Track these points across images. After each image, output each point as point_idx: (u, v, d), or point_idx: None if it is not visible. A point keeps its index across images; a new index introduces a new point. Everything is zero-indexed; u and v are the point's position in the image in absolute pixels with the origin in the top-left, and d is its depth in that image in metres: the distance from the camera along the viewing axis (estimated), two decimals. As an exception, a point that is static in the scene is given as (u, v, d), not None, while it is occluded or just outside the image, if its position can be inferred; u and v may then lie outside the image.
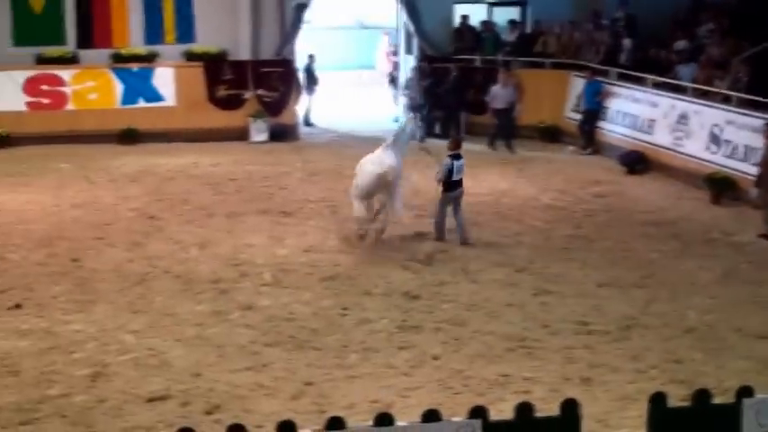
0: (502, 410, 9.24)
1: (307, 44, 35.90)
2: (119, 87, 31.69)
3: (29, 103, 31.31)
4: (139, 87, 31.70)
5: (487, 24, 33.80)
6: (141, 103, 31.68)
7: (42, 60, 31.96)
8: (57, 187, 24.62)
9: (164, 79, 31.84)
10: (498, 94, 29.93)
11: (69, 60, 32.16)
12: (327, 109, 34.97)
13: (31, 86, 31.32)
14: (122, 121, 31.29)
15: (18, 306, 15.53)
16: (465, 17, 33.75)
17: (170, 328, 14.60)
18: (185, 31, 33.10)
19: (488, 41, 33.31)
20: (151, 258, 18.27)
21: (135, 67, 31.99)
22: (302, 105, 33.94)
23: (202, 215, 21.53)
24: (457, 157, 19.18)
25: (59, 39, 32.66)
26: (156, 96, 31.77)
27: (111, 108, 31.50)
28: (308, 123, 34.00)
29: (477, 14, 34.26)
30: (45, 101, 31.42)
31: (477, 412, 6.99)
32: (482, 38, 33.52)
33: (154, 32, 33.07)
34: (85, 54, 32.47)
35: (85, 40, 32.85)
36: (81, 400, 12.03)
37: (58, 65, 31.82)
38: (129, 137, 31.02)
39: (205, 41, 32.75)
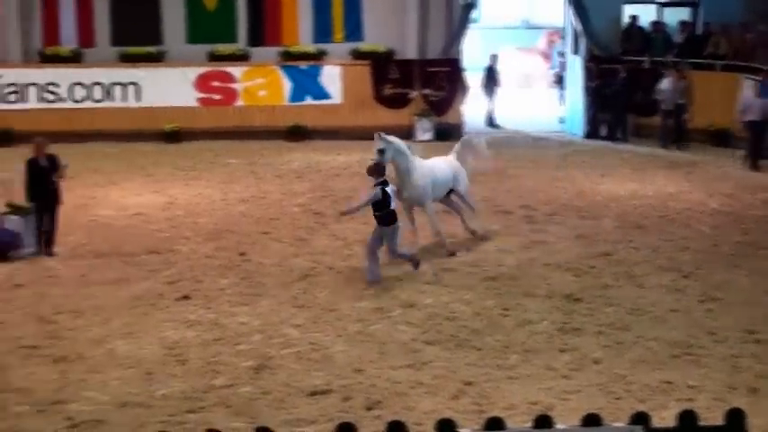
0: (664, 418, 9.13)
1: (474, 43, 35.90)
2: (287, 85, 32.17)
3: (200, 99, 32.03)
4: (307, 85, 32.12)
5: (657, 25, 33.25)
6: (309, 101, 32.10)
7: (214, 57, 32.65)
8: (225, 182, 25.13)
9: (331, 77, 32.19)
10: (667, 95, 29.40)
11: (240, 57, 32.78)
12: (502, 109, 34.88)
13: (202, 83, 32.02)
14: (290, 118, 31.76)
15: (186, 297, 15.91)
16: (634, 17, 33.26)
17: (333, 323, 14.77)
18: (354, 30, 33.40)
19: (658, 42, 32.76)
20: (315, 254, 18.51)
21: (303, 64, 32.41)
22: (483, 106, 33.99)
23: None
24: (385, 183, 16.95)
25: (231, 36, 33.33)
26: (323, 94, 32.14)
27: (279, 105, 32.01)
28: (492, 125, 33.93)
29: (646, 15, 33.74)
30: (216, 97, 32.09)
31: (639, 418, 6.92)
32: (651, 38, 32.99)
33: (323, 31, 33.47)
34: (256, 51, 33.05)
35: (256, 38, 33.44)
36: (245, 392, 12.27)
37: (229, 62, 32.46)
38: (297, 133, 31.47)
39: (373, 40, 32.99)
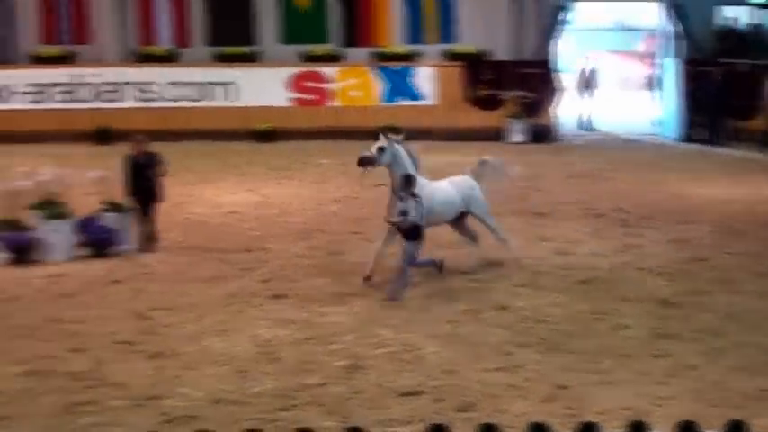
0: (762, 426, 8.99)
1: (568, 45, 35.73)
2: (380, 85, 32.27)
3: (294, 100, 32.24)
4: (400, 86, 32.22)
5: (755, 27, 32.78)
6: (401, 102, 32.17)
7: (307, 58, 32.87)
8: (317, 182, 25.28)
9: (424, 78, 32.27)
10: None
11: (333, 58, 32.95)
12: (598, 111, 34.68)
13: (296, 83, 32.27)
14: (382, 119, 31.77)
15: (280, 296, 15.99)
16: (731, 19, 32.82)
17: (424, 324, 14.75)
18: (447, 31, 33.44)
19: (755, 44, 32.29)
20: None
21: (396, 65, 32.48)
22: (579, 108, 33.84)
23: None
24: (401, 198, 16.16)
25: (324, 37, 33.54)
26: (415, 95, 32.23)
27: (372, 105, 32.15)
28: (587, 127, 33.75)
29: (743, 16, 33.30)
30: (309, 97, 32.33)
31: (735, 426, 6.82)
32: (748, 41, 32.52)
33: (416, 32, 33.56)
34: (349, 52, 33.20)
35: (349, 39, 33.63)
36: (337, 391, 12.30)
37: (322, 62, 32.65)
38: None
39: (465, 41, 32.97)
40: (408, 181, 16.07)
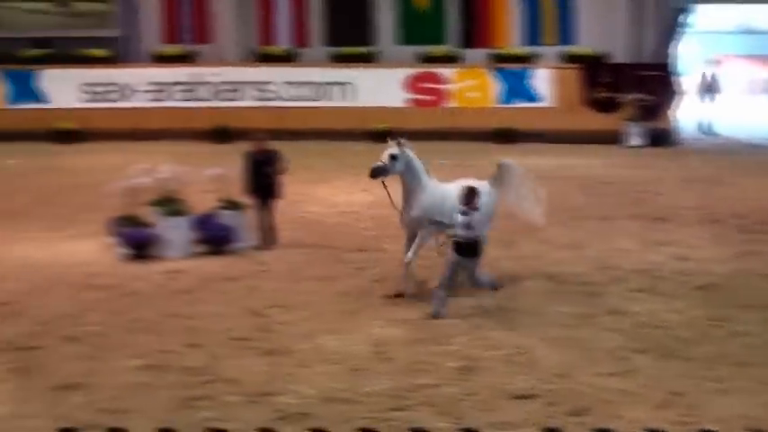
0: None
1: (690, 48, 35.26)
2: (497, 87, 32.17)
3: (411, 100, 32.31)
4: (517, 87, 32.11)
5: None
6: (518, 103, 32.06)
7: (425, 58, 32.89)
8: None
9: (541, 80, 32.09)
10: None
11: (450, 59, 32.94)
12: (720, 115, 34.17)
13: (413, 84, 32.32)
14: (499, 120, 31.78)
15: (399, 295, 16.01)
16: None
17: (538, 327, 14.66)
18: (565, 33, 33.23)
19: None
20: (521, 258, 18.43)
21: (514, 67, 32.35)
22: (700, 112, 33.40)
23: (574, 217, 21.52)
24: (463, 213, 14.97)
25: (442, 38, 33.56)
26: (533, 97, 32.07)
27: (488, 107, 32.08)
28: (708, 131, 33.29)
29: None
30: (426, 98, 32.34)
31: None
32: None
33: (534, 33, 33.42)
34: (466, 53, 33.16)
35: (467, 40, 33.60)
36: (450, 392, 12.28)
37: (439, 63, 32.66)
38: (505, 136, 31.44)
39: (584, 43, 32.72)
40: (472, 193, 14.97)
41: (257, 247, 19.12)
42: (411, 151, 16.34)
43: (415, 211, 16.11)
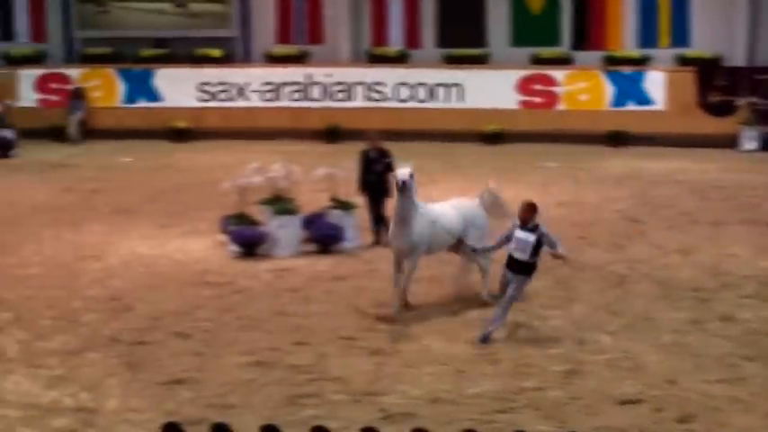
0: None
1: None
2: (609, 89, 31.87)
3: (521, 102, 32.18)
4: (630, 90, 31.74)
5: None
6: (630, 106, 31.71)
7: (537, 60, 32.74)
8: (542, 185, 25.17)
9: (655, 83, 31.69)
10: None
11: (563, 61, 32.73)
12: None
13: (524, 85, 32.17)
14: (611, 123, 31.47)
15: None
16: None
17: (646, 332, 14.53)
18: (680, 35, 32.78)
19: None
20: (631, 261, 18.26)
21: (627, 69, 32.03)
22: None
23: (686, 221, 21.26)
24: (525, 229, 14.20)
25: (555, 40, 33.35)
26: (645, 100, 31.69)
27: (600, 110, 31.78)
28: None
29: None
30: (537, 100, 32.18)
31: None
32: None
33: (648, 36, 33.01)
34: (579, 55, 32.92)
35: (580, 42, 33.33)
36: (555, 395, 12.25)
37: (551, 65, 32.47)
38: (617, 139, 31.14)
39: (699, 46, 32.25)
40: (532, 209, 14.30)
41: (368, 246, 19.25)
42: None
43: (408, 239, 15.32)
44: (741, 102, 31.07)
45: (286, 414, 11.61)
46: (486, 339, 14.02)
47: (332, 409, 11.83)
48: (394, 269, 15.62)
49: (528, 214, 14.22)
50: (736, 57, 31.92)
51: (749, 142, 30.74)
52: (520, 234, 14.05)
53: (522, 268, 14.14)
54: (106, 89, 34.10)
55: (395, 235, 15.44)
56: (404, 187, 15.12)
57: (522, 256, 14.06)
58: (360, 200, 19.82)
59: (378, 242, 19.28)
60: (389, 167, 19.25)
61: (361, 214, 19.73)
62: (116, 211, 22.77)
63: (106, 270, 18.01)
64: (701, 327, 14.72)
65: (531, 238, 14.00)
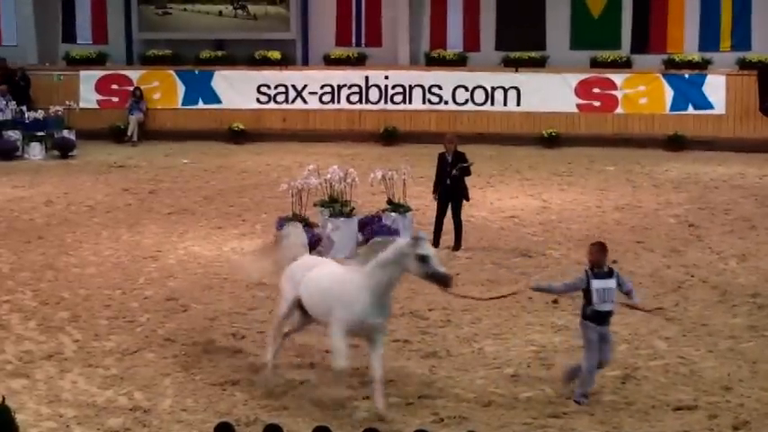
0: None
1: None
2: (669, 93, 31.63)
3: (580, 105, 32.02)
4: (690, 94, 31.49)
5: None
6: (690, 110, 31.45)
7: (596, 63, 32.57)
8: (600, 189, 25.05)
9: (715, 87, 31.41)
10: None
11: (623, 64, 32.53)
12: None
13: (583, 89, 32.01)
14: (670, 127, 31.25)
15: (555, 301, 15.91)
16: None
17: (703, 338, 14.40)
18: (742, 38, 32.49)
19: None
20: (689, 266, 18.11)
21: (687, 73, 31.77)
22: None
23: (745, 227, 21.04)
24: (601, 275, 12.16)
25: (615, 43, 33.17)
26: (705, 104, 31.42)
27: (659, 113, 31.56)
28: None
29: None
30: (596, 103, 32.02)
31: None
32: None
33: (709, 39, 32.75)
34: (638, 58, 32.71)
35: (640, 45, 33.16)
36: (610, 401, 12.17)
37: (611, 68, 32.29)
38: (676, 143, 30.90)
39: (761, 49, 31.92)
40: (605, 250, 12.51)
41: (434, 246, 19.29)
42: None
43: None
44: (804, 106, 30.75)
45: (338, 416, 11.62)
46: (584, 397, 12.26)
47: (385, 412, 11.81)
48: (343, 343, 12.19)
49: (601, 256, 12.30)
50: (799, 60, 31.59)
51: (812, 147, 30.39)
52: (599, 284, 12.03)
53: (608, 319, 12.28)
54: (165, 90, 34.35)
55: (374, 309, 11.95)
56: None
57: (610, 306, 12.16)
58: (415, 203, 19.85)
59: (437, 245, 19.26)
60: (467, 171, 19.29)
61: (418, 216, 19.78)
62: (173, 211, 22.93)
63: (163, 270, 18.15)
64: (759, 333, 14.55)
65: (612, 284, 12.11)
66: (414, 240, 11.77)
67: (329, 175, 19.42)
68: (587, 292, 12.07)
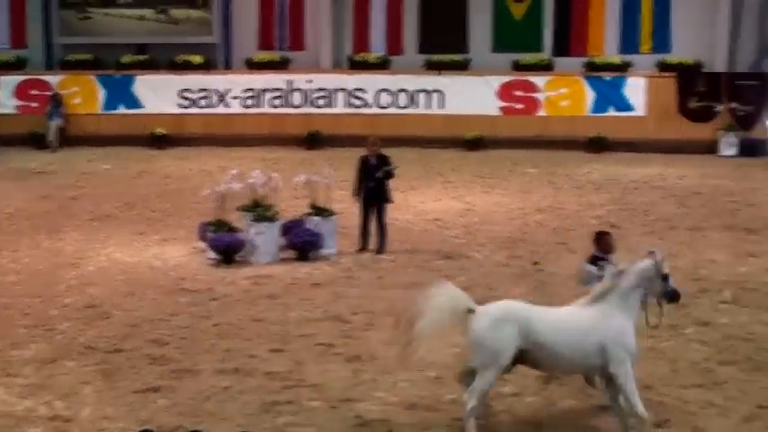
0: None
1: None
2: (590, 95, 31.94)
3: (502, 108, 32.22)
4: (611, 96, 31.85)
5: None
6: (611, 112, 31.80)
7: (518, 66, 32.79)
8: (522, 191, 25.22)
9: (635, 89, 31.82)
10: None
11: (544, 67, 32.78)
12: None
13: (505, 91, 32.22)
14: (591, 129, 31.56)
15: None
16: None
17: (624, 337, 14.50)
18: (661, 41, 32.89)
19: None
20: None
21: (607, 75, 32.11)
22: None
23: (665, 227, 21.30)
24: (599, 261, 12.55)
25: (536, 46, 33.40)
26: (626, 106, 31.79)
27: (580, 115, 31.87)
28: None
29: None
30: (518, 106, 32.25)
31: None
32: None
33: (629, 42, 33.14)
34: (560, 61, 32.99)
35: (561, 48, 33.44)
36: (532, 401, 12.20)
37: (532, 71, 32.53)
38: (597, 145, 31.21)
39: (680, 52, 32.35)
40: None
41: (361, 250, 19.27)
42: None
43: None
44: (721, 107, 31.19)
45: (262, 421, 11.56)
46: None
47: (308, 416, 11.78)
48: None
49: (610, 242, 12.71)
50: (717, 63, 32.06)
51: (728, 148, 30.87)
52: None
53: None
54: (86, 96, 34.05)
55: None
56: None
57: None
58: (339, 206, 19.84)
59: (364, 248, 19.31)
60: (391, 174, 19.30)
61: (342, 220, 19.76)
62: (95, 218, 22.72)
63: (83, 277, 17.94)
64: (678, 332, 14.69)
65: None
66: (655, 260, 11.45)
67: (252, 180, 19.31)
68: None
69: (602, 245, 12.86)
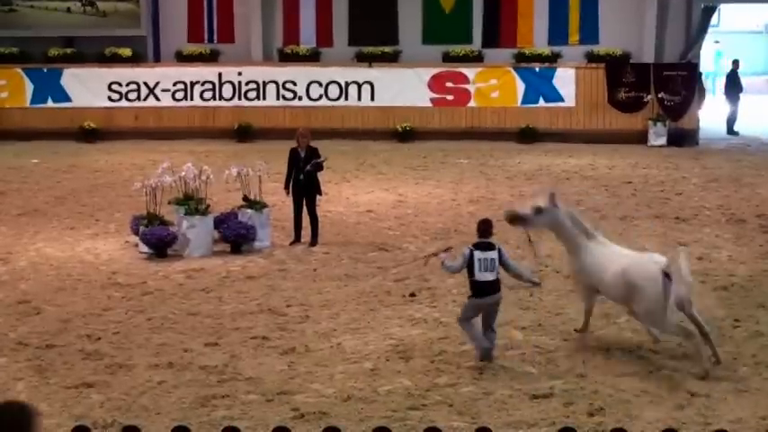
0: None
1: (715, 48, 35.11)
2: (520, 86, 32.11)
3: (433, 100, 32.29)
4: (540, 87, 32.03)
5: None
6: (541, 103, 31.99)
7: (448, 58, 32.87)
8: (455, 182, 25.31)
9: (565, 80, 32.02)
10: None
11: (474, 59, 32.90)
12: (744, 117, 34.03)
13: (436, 83, 32.30)
14: (522, 120, 31.75)
15: (413, 295, 16.04)
16: None
17: (558, 326, 14.64)
18: (589, 33, 33.13)
19: None
20: (543, 257, 18.34)
21: (537, 66, 32.30)
22: (723, 112, 33.35)
23: (595, 217, 21.41)
24: (483, 246, 13.30)
25: (466, 37, 33.51)
26: (556, 96, 31.99)
27: (511, 107, 32.04)
28: (731, 132, 33.21)
29: None
30: (449, 97, 32.34)
31: None
32: None
33: (558, 33, 33.32)
34: (490, 53, 33.12)
35: (491, 40, 33.55)
36: (468, 391, 12.26)
37: (463, 63, 32.63)
38: (528, 135, 31.41)
39: (608, 43, 32.63)
40: (489, 224, 13.55)
41: (294, 242, 19.24)
42: (567, 208, 14.31)
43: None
44: (649, 98, 31.50)
45: (198, 416, 11.51)
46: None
47: (244, 409, 11.75)
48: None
49: (487, 228, 13.47)
50: (645, 54, 32.35)
51: (657, 138, 31.19)
52: (480, 254, 13.12)
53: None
54: (13, 89, 33.60)
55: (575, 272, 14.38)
56: (522, 219, 14.05)
57: (492, 276, 13.18)
58: (271, 199, 19.80)
59: (298, 240, 19.31)
60: (320, 167, 19.26)
61: (275, 213, 19.73)
62: (24, 213, 22.45)
63: (13, 273, 17.73)
64: (611, 321, 14.82)
65: (494, 255, 13.21)
66: None
67: (183, 173, 19.19)
68: (470, 266, 13.07)
69: (482, 231, 13.45)
